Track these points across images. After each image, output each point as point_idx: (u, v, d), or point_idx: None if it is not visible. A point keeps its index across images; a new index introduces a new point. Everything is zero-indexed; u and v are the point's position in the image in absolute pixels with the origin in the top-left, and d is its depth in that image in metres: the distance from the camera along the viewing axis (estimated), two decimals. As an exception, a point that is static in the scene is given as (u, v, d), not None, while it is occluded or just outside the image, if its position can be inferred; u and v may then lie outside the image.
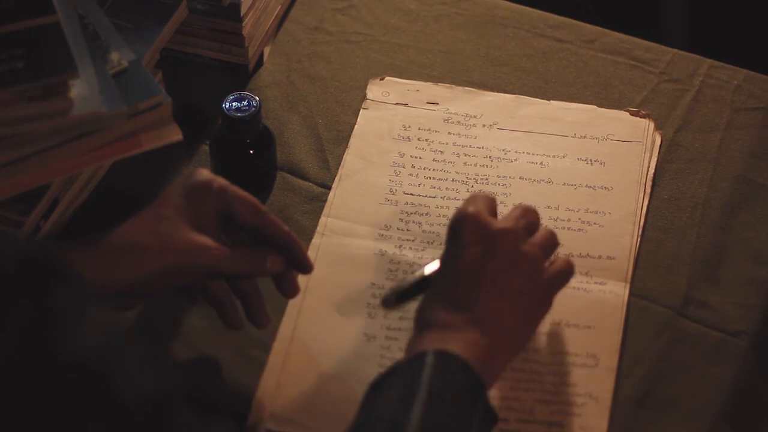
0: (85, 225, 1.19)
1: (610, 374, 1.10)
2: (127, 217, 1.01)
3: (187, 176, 1.06)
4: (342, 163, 1.24)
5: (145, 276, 1.01)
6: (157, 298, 1.10)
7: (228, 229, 1.07)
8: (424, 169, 1.24)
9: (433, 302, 1.02)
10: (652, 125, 1.26)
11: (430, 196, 1.22)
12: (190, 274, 1.03)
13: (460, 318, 1.00)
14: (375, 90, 1.30)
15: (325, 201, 1.21)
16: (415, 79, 1.31)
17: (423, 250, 1.17)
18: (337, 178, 1.23)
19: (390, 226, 1.19)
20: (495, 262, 1.02)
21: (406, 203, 1.21)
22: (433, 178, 1.23)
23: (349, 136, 1.26)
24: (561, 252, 1.17)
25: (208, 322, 1.11)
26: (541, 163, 1.24)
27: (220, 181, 1.05)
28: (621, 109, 1.28)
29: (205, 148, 1.24)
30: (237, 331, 1.09)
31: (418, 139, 1.26)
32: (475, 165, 1.24)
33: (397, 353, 1.10)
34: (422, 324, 1.01)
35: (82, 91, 1.10)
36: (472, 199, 1.05)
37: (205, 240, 1.02)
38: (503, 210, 1.20)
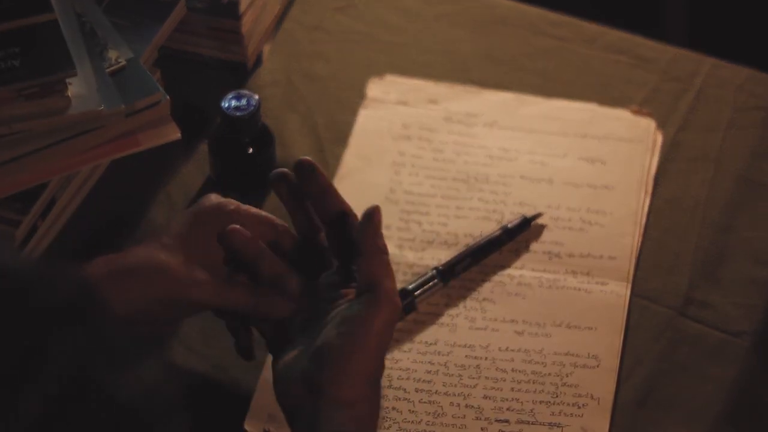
0: (83, 226, 1.18)
1: (612, 375, 1.09)
2: (125, 219, 1.00)
3: (197, 203, 1.02)
4: (342, 163, 1.24)
5: (143, 302, 0.97)
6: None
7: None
8: (424, 168, 1.23)
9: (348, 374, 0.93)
10: (653, 124, 1.26)
11: (430, 196, 1.21)
12: (189, 306, 1.00)
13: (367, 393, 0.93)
14: (375, 89, 1.29)
15: (324, 200, 1.21)
16: (415, 78, 1.30)
17: (423, 250, 1.17)
18: (336, 178, 1.22)
19: (390, 226, 1.18)
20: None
21: (407, 202, 1.21)
22: (434, 178, 1.23)
23: (349, 136, 1.26)
24: (562, 252, 1.16)
25: (207, 323, 1.10)
26: (542, 163, 1.24)
27: (233, 202, 1.02)
28: (622, 108, 1.27)
29: (204, 147, 1.24)
30: (248, 361, 1.05)
31: (419, 138, 1.26)
32: (476, 164, 1.24)
33: (396, 353, 1.10)
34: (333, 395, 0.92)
35: (79, 89, 1.10)
36: (390, 268, 0.97)
37: (200, 274, 0.99)
38: (503, 209, 1.20)
